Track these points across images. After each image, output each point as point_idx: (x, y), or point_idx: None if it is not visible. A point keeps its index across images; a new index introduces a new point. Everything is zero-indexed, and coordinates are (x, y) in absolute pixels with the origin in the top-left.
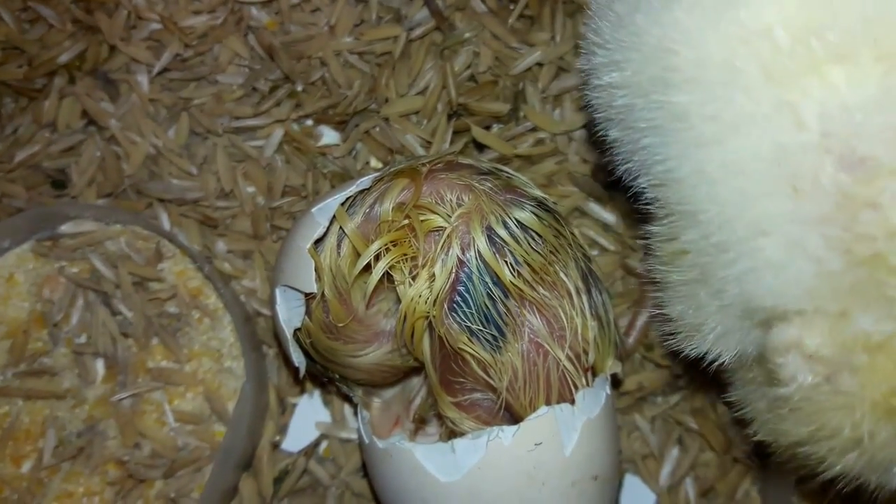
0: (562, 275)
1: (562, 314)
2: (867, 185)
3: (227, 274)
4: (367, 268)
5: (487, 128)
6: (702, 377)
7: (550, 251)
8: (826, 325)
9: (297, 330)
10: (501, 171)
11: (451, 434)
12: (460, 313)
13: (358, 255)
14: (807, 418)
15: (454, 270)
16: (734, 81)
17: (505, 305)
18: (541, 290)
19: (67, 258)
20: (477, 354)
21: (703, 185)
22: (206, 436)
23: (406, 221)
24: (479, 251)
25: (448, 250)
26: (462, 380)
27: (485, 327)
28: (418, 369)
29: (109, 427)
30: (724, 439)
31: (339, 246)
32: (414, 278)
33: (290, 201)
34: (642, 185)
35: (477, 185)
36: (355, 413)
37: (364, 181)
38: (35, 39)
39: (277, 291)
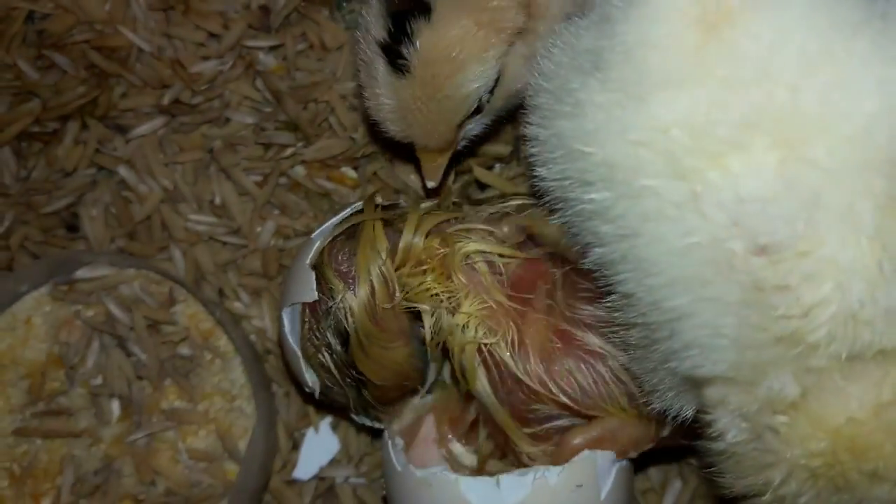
0: None
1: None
2: (774, 269)
3: (238, 314)
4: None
5: (490, 167)
6: None
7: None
8: (747, 386)
9: (327, 330)
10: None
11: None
12: None
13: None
14: (742, 472)
15: None
16: (640, 180)
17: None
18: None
19: (83, 302)
20: None
21: (630, 272)
22: (218, 473)
23: (441, 251)
24: None
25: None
26: (537, 407)
27: None
28: (414, 391)
29: (125, 465)
30: None
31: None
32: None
33: (300, 242)
34: (589, 266)
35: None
36: (381, 440)
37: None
38: (49, 85)
39: (284, 315)
